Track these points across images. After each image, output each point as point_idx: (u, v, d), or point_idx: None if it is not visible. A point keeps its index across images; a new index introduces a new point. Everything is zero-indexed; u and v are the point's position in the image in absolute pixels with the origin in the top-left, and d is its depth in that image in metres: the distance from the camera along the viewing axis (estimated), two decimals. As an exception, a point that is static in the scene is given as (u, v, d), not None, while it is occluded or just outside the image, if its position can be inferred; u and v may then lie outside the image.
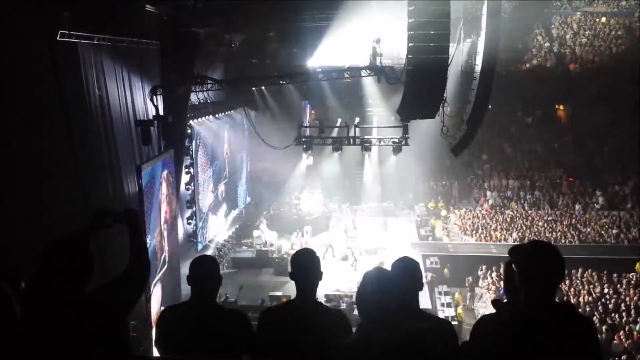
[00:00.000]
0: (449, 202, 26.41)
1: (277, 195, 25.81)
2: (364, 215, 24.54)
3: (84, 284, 2.77)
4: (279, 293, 15.81)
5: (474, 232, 23.20)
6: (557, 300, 2.84)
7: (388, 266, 3.44)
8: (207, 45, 17.51)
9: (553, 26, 33.32)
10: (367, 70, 20.13)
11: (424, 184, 26.98)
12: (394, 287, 2.67)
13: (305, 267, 3.40)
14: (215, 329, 3.22)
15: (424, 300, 16.47)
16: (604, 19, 32.69)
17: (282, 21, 19.15)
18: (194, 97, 17.85)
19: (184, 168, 17.52)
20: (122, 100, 15.37)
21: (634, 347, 13.35)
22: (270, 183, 25.28)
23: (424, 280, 15.34)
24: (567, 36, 32.60)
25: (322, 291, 13.95)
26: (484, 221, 24.08)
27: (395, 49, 20.36)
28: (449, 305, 17.32)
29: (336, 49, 21.72)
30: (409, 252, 20.56)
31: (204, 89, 16.75)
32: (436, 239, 23.17)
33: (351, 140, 19.17)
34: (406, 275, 3.33)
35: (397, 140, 19.33)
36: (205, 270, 3.35)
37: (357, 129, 19.43)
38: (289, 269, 3.49)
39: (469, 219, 24.42)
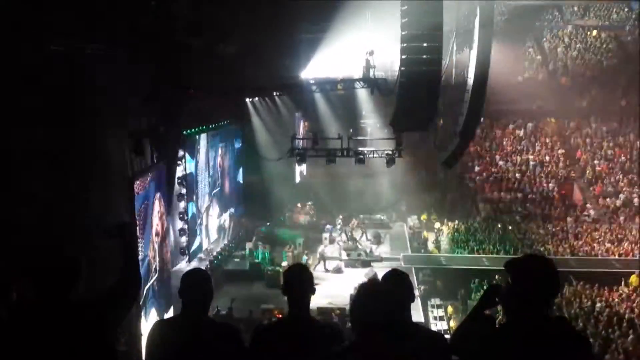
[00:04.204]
0: (442, 214, 26.40)
1: (270, 207, 25.74)
2: (357, 227, 24.50)
3: (72, 294, 2.73)
4: (271, 306, 15.72)
5: (466, 244, 23.20)
6: (552, 314, 2.83)
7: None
8: (200, 56, 17.53)
9: (545, 39, 33.66)
10: (361, 82, 20.28)
11: (417, 196, 26.99)
12: (386, 300, 2.64)
13: (297, 282, 3.37)
14: (206, 343, 3.17)
15: (417, 314, 16.42)
16: (595, 32, 33.02)
17: (276, 32, 19.22)
18: (186, 108, 17.80)
19: (177, 179, 17.44)
20: (114, 111, 15.28)
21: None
22: (264, 194, 25.22)
23: (416, 293, 15.26)
24: (559, 49, 32.92)
25: (315, 304, 13.89)
26: (476, 234, 24.09)
27: (389, 61, 20.44)
28: (441, 318, 17.26)
29: (330, 60, 21.83)
30: (402, 264, 20.60)
31: (197, 100, 16.75)
32: (429, 251, 23.13)
33: (345, 152, 19.23)
34: (397, 287, 3.34)
35: (390, 152, 19.39)
36: (197, 284, 3.31)
37: (350, 141, 19.51)
38: (282, 284, 3.45)
39: (462, 231, 24.42)
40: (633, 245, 22.82)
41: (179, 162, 17.62)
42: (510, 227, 24.47)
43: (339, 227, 24.12)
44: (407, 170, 24.89)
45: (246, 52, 20.36)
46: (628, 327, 15.44)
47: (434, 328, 15.45)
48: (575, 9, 34.28)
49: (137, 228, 11.57)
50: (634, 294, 18.18)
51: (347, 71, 21.93)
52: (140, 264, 11.99)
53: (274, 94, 22.62)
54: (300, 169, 24.09)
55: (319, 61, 22.16)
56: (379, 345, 2.53)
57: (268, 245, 21.64)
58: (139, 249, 11.55)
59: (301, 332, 3.23)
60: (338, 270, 19.95)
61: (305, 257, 20.39)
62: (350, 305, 2.67)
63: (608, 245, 22.84)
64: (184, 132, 18.17)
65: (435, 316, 17.33)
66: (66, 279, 2.71)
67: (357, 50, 19.78)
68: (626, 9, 32.97)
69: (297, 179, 26.47)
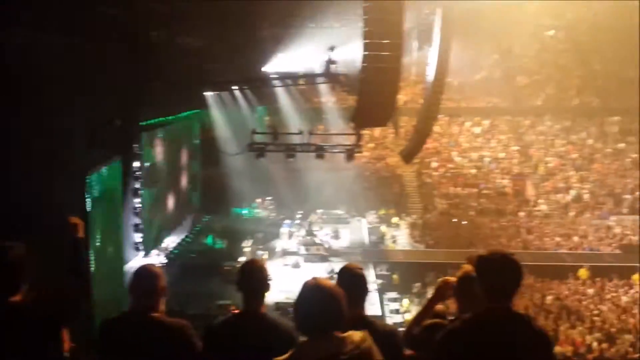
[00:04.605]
0: (400, 209, 26.74)
1: (228, 201, 25.52)
2: (316, 222, 24.56)
3: (17, 292, 2.65)
4: (228, 301, 15.60)
5: (423, 239, 23.59)
6: (514, 309, 2.91)
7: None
8: (161, 48, 17.22)
9: (503, 38, 34.32)
10: (322, 78, 20.30)
11: (376, 192, 27.23)
12: (335, 296, 2.63)
13: (252, 277, 3.35)
14: (155, 342, 3.12)
15: (374, 308, 16.62)
16: (551, 32, 33.86)
17: (239, 27, 19.07)
18: (145, 100, 17.45)
19: (133, 173, 17.11)
20: (67, 102, 14.86)
21: (574, 353, 13.83)
22: (223, 188, 24.97)
23: (373, 287, 15.43)
24: (515, 48, 33.66)
25: (272, 299, 13.87)
26: (433, 228, 24.51)
27: (350, 57, 20.51)
28: (397, 311, 17.52)
29: (292, 55, 21.78)
30: (360, 259, 20.76)
31: (156, 92, 16.45)
32: (386, 246, 23.41)
33: (304, 147, 19.22)
34: (351, 282, 3.35)
35: (350, 148, 19.49)
36: (146, 280, 3.25)
37: (311, 136, 19.52)
38: (236, 279, 3.42)
39: (420, 226, 24.81)
40: (582, 239, 23.70)
41: (135, 155, 17.28)
42: (465, 222, 24.99)
43: (297, 222, 24.14)
44: (367, 166, 25.11)
45: (208, 46, 20.12)
46: (576, 319, 16.04)
47: (390, 321, 15.68)
48: (532, 8, 35.05)
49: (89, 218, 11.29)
50: (583, 287, 18.89)
51: (309, 66, 21.94)
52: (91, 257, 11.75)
53: (235, 87, 22.42)
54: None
55: (281, 56, 22.08)
56: (328, 345, 2.52)
57: (226, 240, 21.48)
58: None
59: (254, 329, 3.21)
60: (296, 265, 19.97)
61: (263, 252, 20.34)
62: (295, 305, 2.63)
63: (558, 239, 23.62)
64: (142, 125, 17.82)
65: (392, 309, 17.57)
66: (9, 279, 2.63)
67: (319, 46, 19.81)
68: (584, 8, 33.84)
69: (257, 174, 26.25)
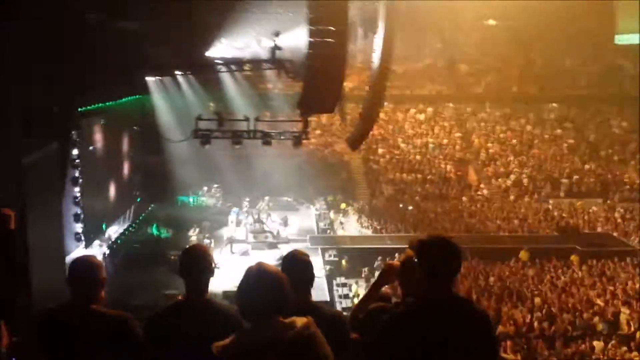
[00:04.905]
0: (347, 195, 26.96)
1: (173, 189, 25.03)
2: (264, 209, 24.44)
3: None
4: (175, 291, 15.31)
5: (371, 224, 23.90)
6: (455, 292, 2.95)
7: None
8: (98, 31, 16.54)
9: (446, 27, 34.92)
10: (267, 64, 20.11)
11: (324, 178, 27.33)
12: (278, 282, 2.60)
13: (194, 264, 3.27)
14: (95, 335, 3.00)
15: (323, 293, 16.73)
16: (491, 22, 34.69)
17: (180, 10, 18.55)
18: (83, 86, 16.77)
19: (72, 162, 16.46)
20: (4, 90, 14.11)
21: (516, 332, 14.34)
22: (167, 177, 24.44)
23: (322, 273, 15.46)
24: (458, 37, 34.33)
25: (221, 287, 13.71)
26: (380, 213, 24.87)
27: (296, 44, 20.37)
28: (346, 296, 17.70)
29: (237, 41, 21.41)
30: (309, 245, 20.85)
31: (95, 77, 15.83)
32: (335, 232, 23.59)
33: (251, 133, 19.04)
34: (296, 268, 3.35)
35: (297, 134, 19.45)
36: (85, 272, 3.13)
37: (257, 123, 19.34)
38: (178, 266, 3.33)
39: (367, 211, 25.12)
40: (522, 222, 24.60)
41: (73, 143, 16.62)
42: (411, 207, 25.48)
43: (245, 209, 23.95)
44: (314, 152, 25.15)
45: (147, 29, 19.49)
46: (517, 299, 16.63)
47: (338, 306, 15.85)
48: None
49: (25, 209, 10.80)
50: (524, 268, 19.61)
51: (255, 52, 21.66)
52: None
53: (179, 73, 21.88)
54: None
55: (225, 41, 21.66)
56: (271, 330, 2.48)
57: (171, 229, 21.08)
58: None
59: (198, 316, 3.14)
60: (245, 253, 19.83)
61: (210, 241, 20.09)
62: (238, 291, 2.58)
63: (499, 222, 24.42)
64: (80, 111, 17.13)
65: (340, 295, 17.73)
66: None
67: (264, 32, 19.58)
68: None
69: (203, 161, 25.81)
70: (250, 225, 21.61)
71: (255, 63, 22.17)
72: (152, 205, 24.64)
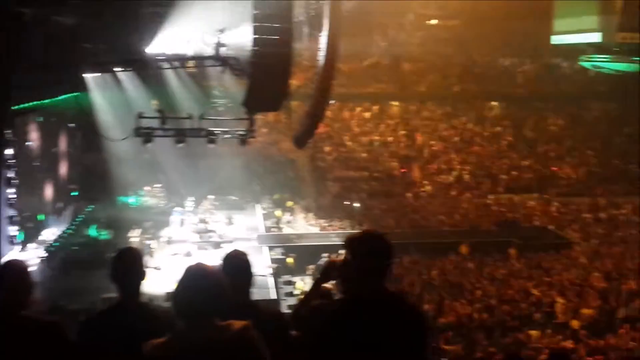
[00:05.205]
0: (294, 193, 26.97)
1: (113, 189, 24.30)
2: (208, 209, 24.11)
3: None
4: (114, 295, 14.91)
5: (317, 221, 24.01)
6: (389, 287, 2.97)
7: None
8: (32, 27, 15.84)
9: (390, 26, 35.41)
10: (211, 61, 19.76)
11: (270, 176, 27.24)
12: (216, 282, 2.57)
13: (125, 266, 3.21)
14: (24, 341, 2.90)
15: (269, 291, 16.70)
16: (434, 22, 35.44)
17: (119, 4, 18.03)
18: (17, 83, 16.05)
19: (6, 162, 15.72)
20: None
21: (457, 324, 14.72)
22: (107, 176, 23.68)
23: (269, 271, 15.39)
24: (402, 36, 34.89)
25: (163, 289, 13.40)
26: (327, 211, 25.00)
27: (241, 41, 20.15)
28: (292, 294, 17.71)
29: (179, 36, 20.96)
30: (255, 244, 20.75)
31: (30, 74, 15.17)
32: (281, 230, 23.53)
33: (195, 132, 18.68)
34: (235, 268, 3.34)
35: (243, 133, 19.23)
36: (13, 277, 3.01)
37: (201, 121, 18.99)
38: (110, 270, 3.25)
39: (313, 209, 25.20)
40: (463, 217, 25.31)
41: (7, 142, 15.88)
42: (356, 204, 25.75)
43: (189, 209, 23.55)
44: (260, 151, 24.99)
45: (86, 25, 18.84)
46: (459, 291, 17.10)
47: (284, 304, 15.83)
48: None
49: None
50: (464, 262, 20.17)
51: (198, 49, 21.26)
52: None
53: (118, 69, 21.24)
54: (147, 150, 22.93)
55: (167, 37, 21.17)
56: (207, 331, 2.45)
57: (111, 230, 20.46)
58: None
59: (130, 320, 3.09)
60: (188, 254, 19.48)
61: (152, 242, 19.64)
62: (175, 291, 2.55)
63: (442, 217, 25.04)
64: (14, 109, 16.37)
65: (287, 292, 17.74)
66: None
67: (208, 28, 19.24)
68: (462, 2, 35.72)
69: (144, 160, 25.18)
70: (193, 225, 21.27)
71: (199, 60, 21.76)
72: (92, 205, 23.84)
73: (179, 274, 2.70)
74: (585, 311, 15.12)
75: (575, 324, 14.37)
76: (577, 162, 30.00)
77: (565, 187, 28.18)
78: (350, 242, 2.96)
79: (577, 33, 27.59)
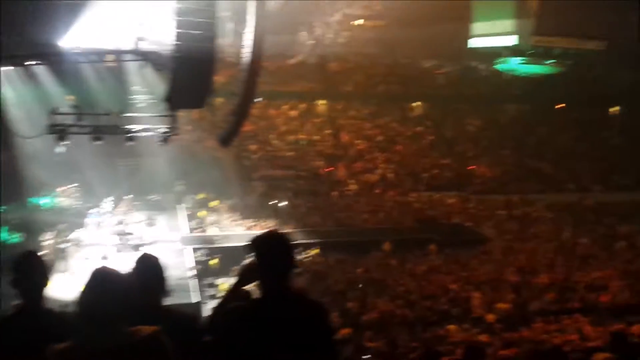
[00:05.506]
0: (219, 193, 26.51)
1: (24, 190, 22.93)
2: (127, 209, 23.25)
3: None
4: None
5: (243, 221, 23.75)
6: (292, 286, 3.02)
7: None
8: None
9: (316, 25, 35.58)
10: (131, 55, 19.04)
11: (194, 175, 26.64)
12: (121, 286, 2.47)
13: (26, 271, 3.04)
14: None
15: (192, 294, 16.35)
16: (360, 22, 35.94)
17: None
18: None
19: None
20: None
21: (380, 321, 15.00)
22: (17, 177, 22.32)
23: (192, 273, 15.08)
24: (328, 35, 35.15)
25: (74, 294, 12.80)
26: (252, 210, 24.79)
27: (163, 35, 19.57)
28: (216, 296, 17.40)
29: (97, 29, 20.08)
30: (179, 245, 20.26)
31: None
32: (205, 231, 23.08)
33: (113, 129, 17.97)
34: (146, 271, 3.29)
35: (165, 131, 18.68)
36: None
37: (120, 118, 18.29)
38: (12, 276, 3.09)
39: (239, 209, 24.91)
40: (387, 215, 25.87)
41: None
42: (282, 203, 25.71)
43: (107, 210, 22.62)
44: (184, 149, 24.37)
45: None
46: (382, 289, 17.45)
47: (208, 307, 15.52)
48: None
49: None
50: (387, 259, 20.62)
51: (118, 42, 20.46)
52: None
53: (31, 63, 20.06)
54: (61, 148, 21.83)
55: (84, 29, 20.22)
56: (111, 336, 2.35)
57: (23, 233, 19.31)
58: None
59: (32, 326, 2.97)
60: (105, 257, 18.70)
61: (67, 245, 18.71)
62: (79, 295, 2.44)
63: (366, 216, 25.47)
64: None
65: (210, 295, 17.41)
66: None
67: (128, 20, 18.55)
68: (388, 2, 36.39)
69: (58, 158, 23.98)
70: (112, 226, 20.46)
71: (118, 54, 20.95)
72: (2, 207, 22.36)
73: (85, 278, 2.59)
74: (500, 305, 15.85)
75: (490, 317, 15.02)
76: (493, 161, 31.40)
77: (482, 185, 29.43)
78: (252, 242, 2.97)
79: (494, 36, 28.69)
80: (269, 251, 2.95)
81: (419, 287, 17.45)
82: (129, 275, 3.21)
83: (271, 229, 2.94)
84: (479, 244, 22.34)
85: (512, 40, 27.88)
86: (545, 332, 13.54)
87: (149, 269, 3.37)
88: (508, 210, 27.01)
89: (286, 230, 22.39)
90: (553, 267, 19.54)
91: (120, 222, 20.74)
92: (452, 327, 14.15)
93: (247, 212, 24.70)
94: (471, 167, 30.81)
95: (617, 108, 36.33)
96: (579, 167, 31.28)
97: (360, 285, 17.55)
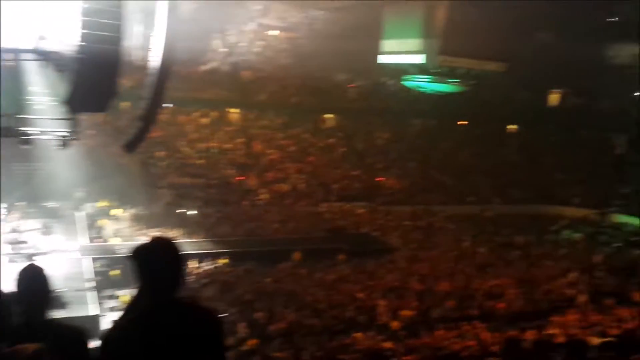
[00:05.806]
0: (122, 200, 25.40)
1: None
2: (21, 216, 21.74)
3: None
4: None
5: (147, 230, 22.88)
6: (180, 296, 2.92)
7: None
8: None
9: (230, 33, 35.27)
10: (31, 55, 17.95)
11: (96, 182, 25.36)
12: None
13: None
14: None
15: (91, 307, 15.56)
16: (275, 32, 36.05)
17: None
18: None
19: None
20: None
21: (287, 331, 14.98)
22: None
23: (91, 284, 14.35)
24: (242, 44, 34.96)
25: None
26: (158, 219, 23.98)
27: (65, 34, 18.61)
28: (115, 309, 16.61)
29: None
30: (79, 254, 19.20)
31: None
32: (106, 240, 21.99)
33: (7, 131, 16.85)
34: (29, 284, 3.11)
35: (64, 135, 17.72)
36: None
37: (15, 120, 17.18)
38: None
39: (144, 217, 24.00)
40: (297, 225, 25.94)
41: None
42: (192, 212, 25.10)
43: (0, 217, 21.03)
44: (85, 154, 23.15)
45: None
46: (290, 299, 17.44)
47: (108, 320, 14.81)
48: (259, 7, 36.79)
49: None
50: (297, 269, 20.66)
51: (15, 40, 19.22)
52: None
53: None
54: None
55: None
56: None
57: None
58: None
59: None
60: (-6, 267, 17.38)
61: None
62: None
63: (277, 225, 25.42)
64: None
65: (110, 307, 16.57)
66: None
67: (29, 19, 17.49)
68: (303, 14, 36.80)
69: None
70: (4, 235, 19.04)
71: (16, 53, 19.68)
72: None
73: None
74: (405, 312, 16.35)
75: (395, 324, 15.45)
76: (400, 174, 32.46)
77: (390, 197, 30.32)
78: (136, 252, 2.87)
79: (403, 54, 29.84)
80: (154, 260, 2.82)
81: (327, 296, 17.62)
82: (16, 287, 3.01)
83: (157, 236, 2.80)
84: (385, 253, 22.95)
85: (419, 59, 29.14)
86: (446, 338, 14.06)
87: (33, 281, 3.18)
88: (413, 221, 27.99)
89: (193, 239, 21.95)
90: (454, 275, 20.42)
91: (14, 230, 19.36)
92: (358, 334, 14.39)
93: (153, 221, 23.82)
94: (380, 178, 31.65)
95: (515, 126, 38.87)
96: (480, 181, 33.05)
97: (270, 296, 17.44)
